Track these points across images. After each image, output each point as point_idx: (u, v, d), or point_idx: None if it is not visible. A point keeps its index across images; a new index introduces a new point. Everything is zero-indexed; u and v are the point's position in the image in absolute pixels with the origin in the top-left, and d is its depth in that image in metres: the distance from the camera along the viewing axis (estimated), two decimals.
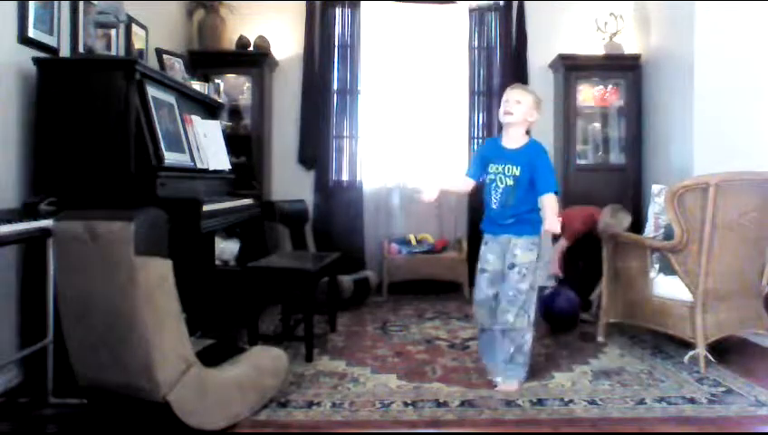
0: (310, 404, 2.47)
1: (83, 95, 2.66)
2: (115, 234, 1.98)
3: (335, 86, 5.05)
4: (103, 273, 2.01)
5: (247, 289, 3.16)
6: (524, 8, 5.04)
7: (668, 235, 3.17)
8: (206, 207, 2.80)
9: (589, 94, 4.98)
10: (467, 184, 2.94)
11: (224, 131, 3.78)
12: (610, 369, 2.92)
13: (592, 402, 2.50)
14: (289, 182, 5.04)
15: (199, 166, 3.20)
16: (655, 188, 3.75)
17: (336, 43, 5.03)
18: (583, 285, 3.87)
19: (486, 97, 5.08)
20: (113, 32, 3.42)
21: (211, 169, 3.32)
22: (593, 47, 4.96)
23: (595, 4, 5.00)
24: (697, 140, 4.00)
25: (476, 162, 2.90)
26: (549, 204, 2.62)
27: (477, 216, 4.97)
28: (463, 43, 5.08)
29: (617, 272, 3.33)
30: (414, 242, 4.87)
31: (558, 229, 2.59)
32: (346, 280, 4.32)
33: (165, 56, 3.86)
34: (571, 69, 4.85)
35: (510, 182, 2.68)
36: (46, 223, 2.23)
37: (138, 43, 3.84)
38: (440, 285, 4.76)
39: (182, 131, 3.11)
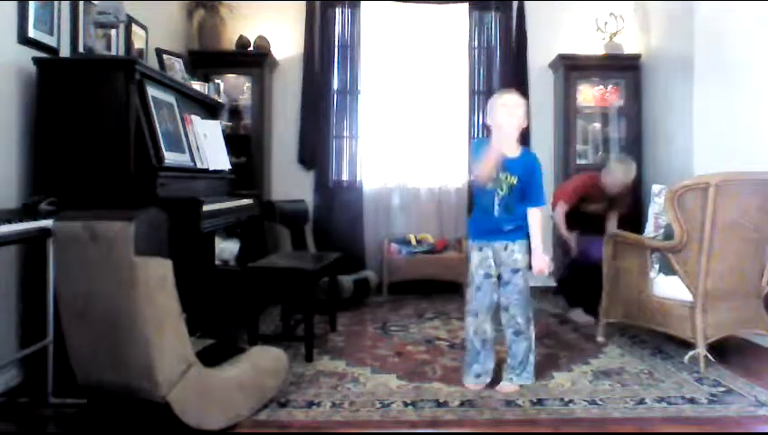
0: (310, 404, 2.47)
1: (83, 95, 2.66)
2: (115, 234, 1.98)
3: (335, 86, 5.05)
4: (103, 273, 2.01)
5: (247, 289, 3.16)
6: (524, 8, 5.05)
7: (668, 235, 3.17)
8: (206, 207, 2.80)
9: (589, 94, 4.98)
10: None
11: (224, 131, 3.78)
12: (610, 369, 2.92)
13: (592, 402, 2.49)
14: (289, 182, 5.04)
15: (199, 166, 3.20)
16: (655, 188, 3.75)
17: (336, 43, 5.03)
18: (589, 290, 3.79)
19: (486, 97, 5.06)
20: (113, 32, 3.42)
21: (211, 169, 3.33)
22: (593, 47, 4.96)
23: (595, 4, 5.01)
24: (697, 140, 4.00)
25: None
26: (537, 221, 2.67)
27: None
28: (463, 43, 5.09)
29: (617, 272, 3.33)
30: (414, 242, 4.87)
31: (546, 272, 2.68)
32: (346, 280, 4.32)
33: (165, 56, 3.86)
34: (571, 69, 4.85)
35: (507, 191, 2.66)
36: (46, 223, 2.22)
37: (138, 43, 3.85)
38: (440, 285, 4.76)
39: (182, 131, 3.12)
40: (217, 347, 2.98)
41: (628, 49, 4.91)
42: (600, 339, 3.38)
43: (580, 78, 4.92)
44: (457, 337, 3.53)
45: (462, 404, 2.48)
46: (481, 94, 5.09)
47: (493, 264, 2.70)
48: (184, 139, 3.11)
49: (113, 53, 3.44)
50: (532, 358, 2.71)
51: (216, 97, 3.99)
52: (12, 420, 2.33)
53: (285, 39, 5.05)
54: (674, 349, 3.17)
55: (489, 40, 5.09)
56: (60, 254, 2.11)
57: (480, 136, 5.06)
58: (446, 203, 5.11)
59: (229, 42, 4.86)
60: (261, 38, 4.84)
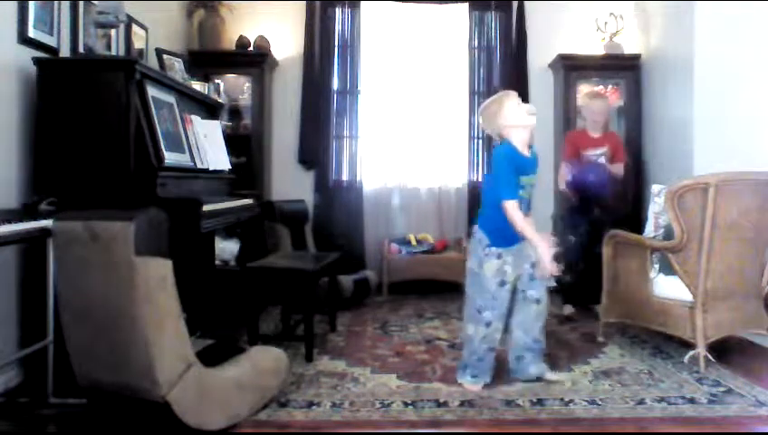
0: (310, 404, 2.47)
1: (83, 95, 2.66)
2: (115, 234, 1.98)
3: (335, 86, 5.06)
4: (103, 273, 2.01)
5: (247, 289, 3.16)
6: (524, 8, 5.05)
7: (668, 235, 3.17)
8: (206, 207, 2.80)
9: None
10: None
11: (224, 131, 3.78)
12: (610, 369, 2.92)
13: (592, 402, 2.49)
14: (289, 182, 5.04)
15: (199, 166, 3.20)
16: (655, 188, 3.75)
17: (336, 43, 5.04)
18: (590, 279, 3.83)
19: (486, 97, 5.05)
20: (113, 32, 3.42)
21: (211, 169, 3.33)
22: (593, 47, 4.96)
23: (595, 4, 5.01)
24: (697, 140, 4.00)
25: (514, 180, 2.56)
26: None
27: (478, 216, 5.01)
28: (463, 43, 5.09)
29: (617, 272, 3.33)
30: (414, 242, 4.87)
31: (554, 273, 2.61)
32: (346, 280, 4.32)
33: (165, 56, 3.86)
34: (571, 69, 4.85)
35: (529, 192, 2.65)
36: (46, 223, 2.22)
37: (138, 43, 3.85)
38: (440, 285, 4.76)
39: (182, 131, 3.12)
40: (217, 347, 2.98)
41: (628, 49, 4.90)
42: (600, 339, 3.38)
43: (580, 78, 4.92)
44: (457, 337, 3.52)
45: (462, 404, 2.48)
46: (481, 94, 5.08)
47: (510, 270, 2.63)
48: (184, 139, 3.11)
49: (113, 53, 3.44)
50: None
51: (216, 97, 3.99)
52: (12, 420, 2.33)
53: (285, 39, 5.05)
54: (674, 349, 3.17)
55: (489, 40, 5.09)
56: (60, 254, 2.11)
57: (480, 136, 5.06)
58: (446, 203, 5.11)
59: (229, 42, 4.86)
60: (261, 38, 4.84)
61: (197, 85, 3.74)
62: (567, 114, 4.86)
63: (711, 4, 3.98)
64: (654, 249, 3.13)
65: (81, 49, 3.11)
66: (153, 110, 2.80)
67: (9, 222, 2.11)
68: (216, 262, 3.96)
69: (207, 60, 4.68)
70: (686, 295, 2.91)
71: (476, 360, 2.66)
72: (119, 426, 2.23)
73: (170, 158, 2.84)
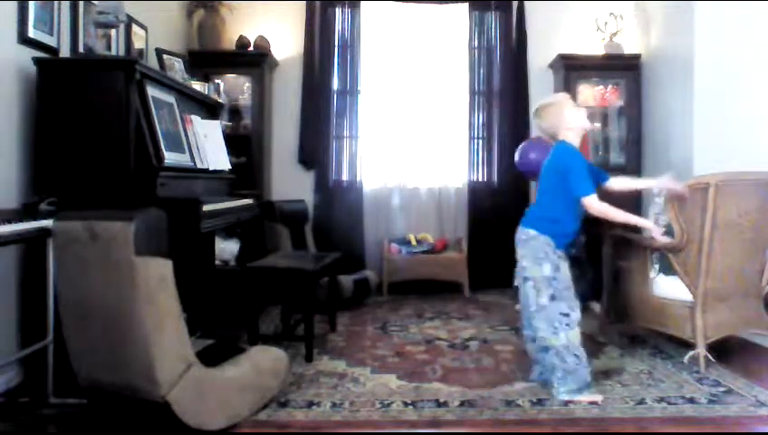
0: (310, 404, 2.47)
1: (83, 95, 2.66)
2: (115, 234, 1.98)
3: (335, 86, 5.05)
4: (103, 273, 2.01)
5: (247, 289, 3.16)
6: (524, 8, 5.05)
7: (668, 234, 3.17)
8: (206, 207, 2.80)
9: (589, 94, 4.98)
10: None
11: (224, 131, 3.78)
12: (610, 369, 2.91)
13: (592, 402, 2.49)
14: (289, 182, 5.04)
15: (199, 166, 3.20)
16: (656, 190, 3.75)
17: (336, 43, 5.04)
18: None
19: (486, 97, 5.08)
20: (113, 32, 3.43)
21: (211, 169, 3.33)
22: (593, 47, 4.96)
23: (595, 4, 5.01)
24: (697, 140, 4.00)
25: (589, 176, 2.57)
26: None
27: (478, 216, 5.03)
28: (463, 43, 5.09)
29: (617, 272, 3.32)
30: (414, 242, 4.87)
31: None
32: (346, 280, 4.32)
33: (165, 56, 3.86)
34: (571, 69, 4.85)
35: None
36: (46, 223, 2.23)
37: (138, 43, 3.85)
38: (440, 285, 4.76)
39: (182, 131, 3.12)
40: (217, 347, 2.98)
41: (628, 49, 4.91)
42: (600, 339, 3.38)
43: (580, 78, 4.92)
44: (457, 337, 3.53)
45: (462, 404, 2.48)
46: (481, 94, 5.09)
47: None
48: (184, 139, 3.11)
49: (113, 53, 3.44)
50: None
51: (215, 97, 3.99)
52: (12, 420, 2.33)
53: (285, 39, 5.05)
54: (674, 349, 3.17)
55: (489, 40, 5.09)
56: (60, 254, 2.11)
57: (480, 136, 5.06)
58: (446, 203, 5.11)
59: (229, 42, 4.86)
60: (261, 38, 4.84)
61: (197, 85, 3.74)
62: None
63: (711, 4, 3.98)
64: (654, 249, 3.12)
65: (81, 49, 3.11)
66: (153, 110, 2.80)
67: (9, 222, 2.12)
68: (216, 262, 3.96)
69: (207, 60, 4.68)
70: (686, 295, 2.91)
71: (583, 367, 2.52)
72: (119, 426, 2.23)
73: (170, 158, 2.84)
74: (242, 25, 4.92)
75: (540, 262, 2.57)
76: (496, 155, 5.08)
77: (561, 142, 2.63)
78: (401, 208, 5.12)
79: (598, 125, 5.02)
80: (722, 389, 2.64)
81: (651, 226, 2.67)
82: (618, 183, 2.84)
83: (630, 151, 4.87)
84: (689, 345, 2.91)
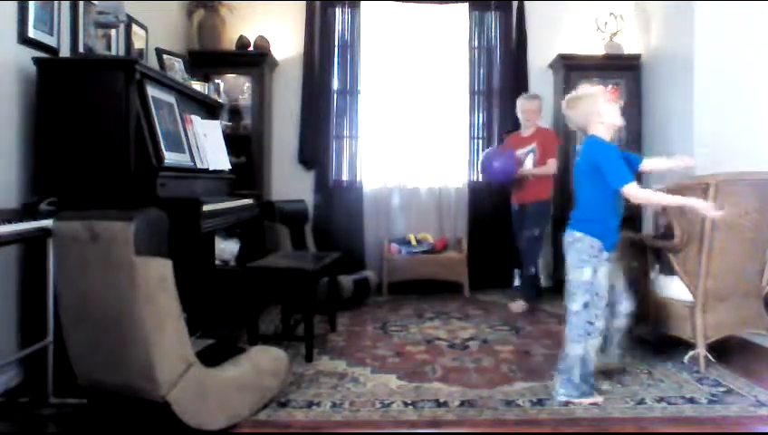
0: (310, 404, 2.47)
1: (83, 95, 2.66)
2: (115, 234, 1.98)
3: (335, 86, 5.06)
4: (103, 273, 2.01)
5: (247, 289, 3.16)
6: (524, 8, 5.05)
7: (667, 236, 3.16)
8: (206, 207, 2.80)
9: None
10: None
11: (224, 131, 3.78)
12: (610, 369, 2.91)
13: (593, 403, 2.49)
14: (289, 182, 5.04)
15: (199, 166, 3.20)
16: (655, 187, 3.75)
17: (336, 43, 5.04)
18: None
19: (486, 97, 5.08)
20: (113, 32, 3.42)
21: (211, 169, 3.33)
22: (593, 47, 4.96)
23: (595, 4, 5.01)
24: (697, 140, 4.00)
25: (624, 164, 2.49)
26: None
27: (478, 216, 5.03)
28: (463, 43, 5.09)
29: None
30: (414, 242, 4.87)
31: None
32: (346, 280, 4.32)
33: (165, 56, 3.86)
34: (571, 69, 4.84)
35: None
36: (46, 223, 2.23)
37: (138, 43, 3.84)
38: (440, 285, 4.76)
39: (182, 131, 3.11)
40: (217, 347, 2.98)
41: (628, 49, 4.90)
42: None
43: (581, 78, 4.86)
44: (457, 337, 3.53)
45: (462, 404, 2.48)
46: (481, 94, 5.09)
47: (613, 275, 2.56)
48: (184, 139, 3.11)
49: (113, 53, 3.44)
50: None
51: (215, 97, 3.99)
52: (12, 420, 2.33)
53: (285, 39, 5.05)
54: (674, 349, 3.16)
55: (489, 40, 5.09)
56: (60, 254, 2.11)
57: (480, 136, 5.06)
58: (446, 203, 5.11)
59: (229, 42, 4.86)
60: (261, 38, 4.84)
61: (197, 85, 3.74)
62: None
63: (711, 4, 3.98)
64: (654, 249, 3.12)
65: (81, 49, 3.11)
66: (153, 110, 2.79)
67: (9, 222, 2.11)
68: (216, 262, 3.96)
69: (207, 60, 4.68)
70: (686, 295, 2.91)
71: (589, 374, 2.51)
72: (119, 426, 2.23)
73: (170, 158, 2.84)
74: (242, 25, 4.92)
75: (581, 266, 2.50)
76: None
77: (591, 137, 2.53)
78: (401, 208, 5.12)
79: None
80: (722, 389, 2.64)
81: (702, 203, 2.50)
82: (649, 164, 2.77)
83: (630, 151, 4.85)
84: (689, 345, 2.91)
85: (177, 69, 3.92)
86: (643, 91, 4.85)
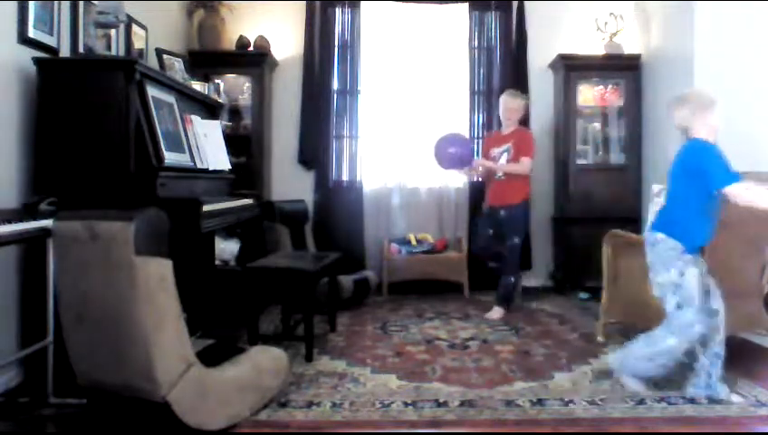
0: (310, 404, 2.47)
1: (83, 95, 2.66)
2: (115, 234, 1.98)
3: (335, 86, 5.05)
4: (103, 273, 2.01)
5: (247, 289, 3.16)
6: (524, 8, 5.05)
7: None
8: (206, 208, 2.80)
9: (589, 94, 4.98)
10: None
11: (224, 131, 3.78)
12: (610, 369, 2.91)
13: (592, 402, 2.49)
14: (289, 182, 5.05)
15: (199, 166, 3.20)
16: (655, 187, 3.75)
17: (336, 43, 5.04)
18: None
19: (486, 97, 5.08)
20: (113, 32, 3.43)
21: (211, 169, 3.33)
22: (593, 47, 4.96)
23: (595, 4, 5.01)
24: None
25: (729, 164, 2.43)
26: None
27: (478, 215, 5.02)
28: (463, 43, 5.09)
29: (617, 272, 3.33)
30: (414, 242, 4.87)
31: None
32: (346, 280, 4.32)
33: (165, 56, 3.86)
34: (571, 69, 4.85)
35: None
36: (46, 223, 2.23)
37: (138, 43, 3.85)
38: (440, 285, 4.76)
39: (182, 131, 3.12)
40: (217, 347, 2.98)
41: (628, 49, 4.91)
42: (599, 339, 3.38)
43: (580, 78, 4.92)
44: (457, 337, 3.53)
45: (462, 404, 2.48)
46: (481, 94, 5.09)
47: (708, 280, 2.53)
48: (184, 139, 3.11)
49: (113, 53, 3.44)
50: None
51: (215, 97, 3.99)
52: (12, 420, 2.33)
53: (285, 39, 5.05)
54: None
55: (489, 40, 5.09)
56: (60, 254, 2.11)
57: (480, 136, 5.06)
58: (446, 203, 5.11)
59: (229, 42, 4.86)
60: (261, 38, 4.84)
61: (197, 85, 3.74)
62: (567, 114, 4.86)
63: (711, 4, 3.98)
64: None
65: (81, 49, 3.11)
66: (153, 110, 2.80)
67: (9, 222, 2.12)
68: (216, 262, 3.96)
69: (207, 60, 4.68)
70: None
71: (660, 366, 2.53)
72: (119, 426, 2.23)
73: (170, 158, 2.84)
74: (242, 25, 4.92)
75: (667, 266, 2.49)
76: None
77: (694, 141, 2.51)
78: (401, 208, 5.11)
79: (597, 125, 5.02)
80: None
81: None
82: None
83: (630, 151, 4.87)
84: None
85: (177, 69, 3.92)
86: (643, 91, 4.85)
